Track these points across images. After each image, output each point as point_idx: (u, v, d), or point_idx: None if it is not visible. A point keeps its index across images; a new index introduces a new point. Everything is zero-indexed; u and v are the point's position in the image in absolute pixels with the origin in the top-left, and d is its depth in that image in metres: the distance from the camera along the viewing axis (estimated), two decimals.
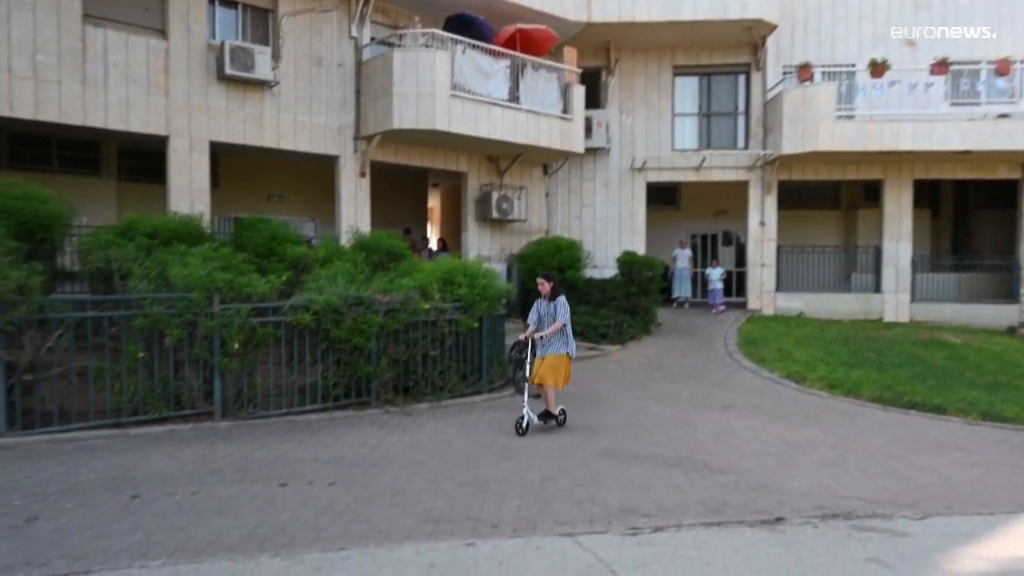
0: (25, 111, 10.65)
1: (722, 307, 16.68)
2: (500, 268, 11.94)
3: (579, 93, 15.26)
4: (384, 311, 8.02)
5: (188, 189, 12.11)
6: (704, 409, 8.91)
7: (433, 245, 17.52)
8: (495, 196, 15.28)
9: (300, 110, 13.14)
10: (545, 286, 7.55)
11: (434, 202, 19.58)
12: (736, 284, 18.83)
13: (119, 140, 13.62)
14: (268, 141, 12.81)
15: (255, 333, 7.29)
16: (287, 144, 13.04)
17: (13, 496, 4.82)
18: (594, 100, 16.86)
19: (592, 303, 14.23)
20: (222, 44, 11.85)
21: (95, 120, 11.18)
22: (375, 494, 5.24)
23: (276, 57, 12.66)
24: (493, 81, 13.81)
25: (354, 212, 13.80)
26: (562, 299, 7.49)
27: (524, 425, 7.24)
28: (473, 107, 13.43)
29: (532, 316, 7.63)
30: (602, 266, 16.41)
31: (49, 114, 10.79)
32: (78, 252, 9.35)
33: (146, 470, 5.59)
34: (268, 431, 7.04)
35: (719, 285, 17.00)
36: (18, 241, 7.33)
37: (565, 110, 14.96)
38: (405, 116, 12.82)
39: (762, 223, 17.11)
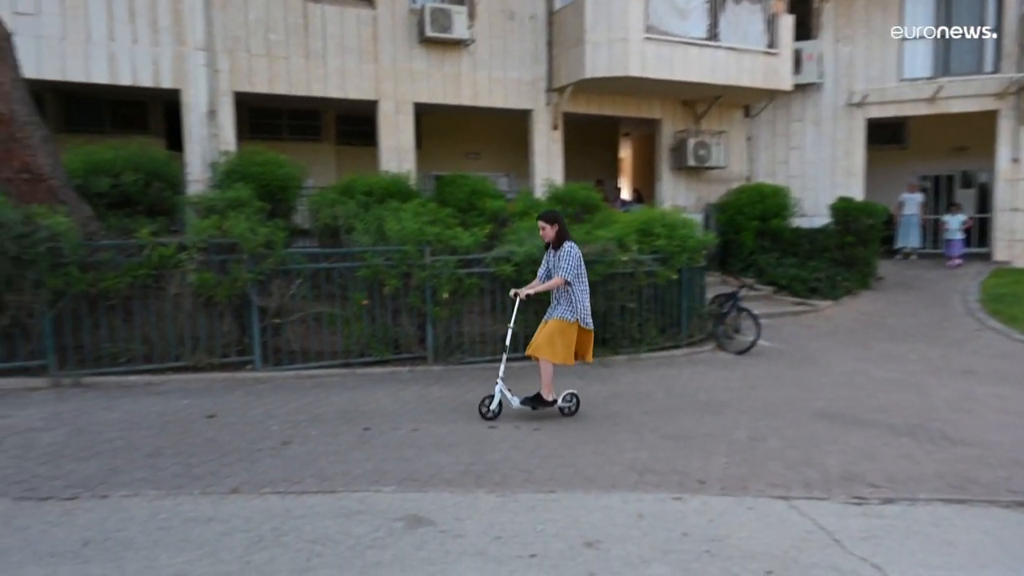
0: (261, 85, 11.96)
1: (959, 260, 14.64)
2: (697, 218, 11.42)
3: (787, 23, 13.93)
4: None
5: (396, 149, 12.96)
6: (938, 373, 7.96)
7: (626, 196, 17.23)
8: (691, 143, 14.58)
9: (494, 66, 13.40)
10: (547, 230, 5.83)
11: (626, 152, 19.18)
12: (978, 233, 16.41)
13: (336, 107, 14.86)
14: (465, 99, 13.26)
15: (461, 283, 7.68)
16: (483, 101, 13.41)
17: (271, 423, 5.57)
18: (804, 31, 15.32)
19: (800, 254, 13.20)
20: (422, 8, 12.36)
21: (317, 90, 12.27)
22: (579, 441, 5.34)
23: (471, 15, 12.96)
24: (690, 19, 13.03)
25: (547, 165, 13.93)
26: (569, 247, 5.75)
27: (492, 407, 5.78)
28: (668, 49, 12.80)
29: (540, 269, 6.08)
30: (812, 215, 15.09)
31: (280, 87, 12.02)
32: (309, 210, 10.41)
33: (373, 406, 6.18)
34: (475, 376, 7.45)
35: (959, 236, 14.80)
36: (261, 202, 8.29)
37: (771, 44, 13.75)
38: (597, 64, 12.56)
39: (1015, 160, 14.64)
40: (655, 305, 8.72)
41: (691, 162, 14.59)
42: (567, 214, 10.22)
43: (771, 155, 16.23)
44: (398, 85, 12.82)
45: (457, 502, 4.13)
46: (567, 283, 5.68)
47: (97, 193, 8.15)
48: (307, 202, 10.81)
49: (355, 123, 15.38)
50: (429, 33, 12.33)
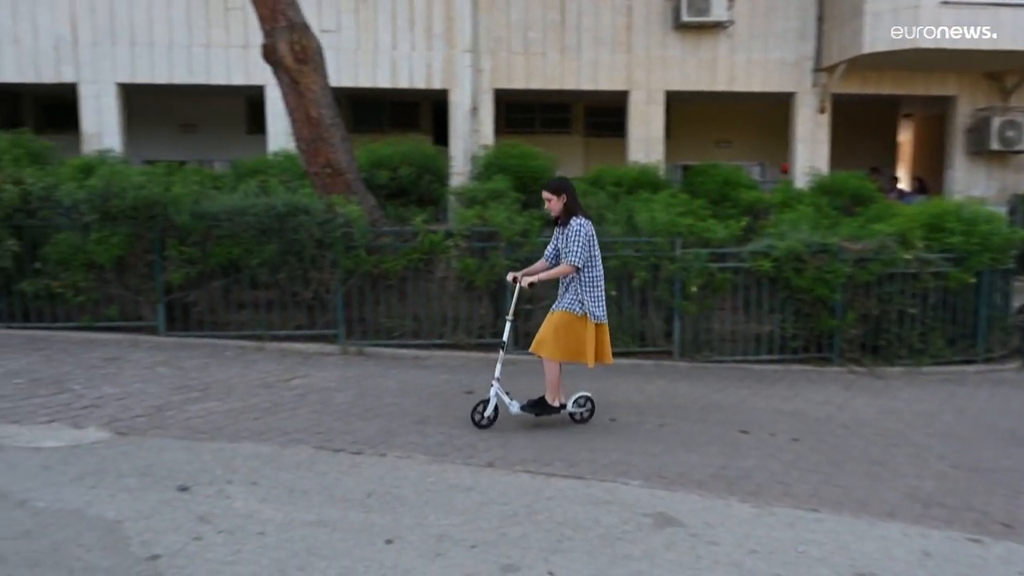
0: (519, 82, 12.58)
1: None
2: (1001, 211, 9.69)
3: None
4: (853, 260, 7.25)
5: (645, 139, 12.83)
6: None
7: (904, 186, 15.21)
8: (996, 122, 12.39)
9: (754, 48, 12.62)
10: (552, 202, 4.93)
11: (905, 136, 16.92)
12: None
13: (586, 100, 15.13)
14: (721, 84, 12.69)
15: (713, 278, 7.35)
16: (739, 85, 12.72)
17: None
18: None
19: None
20: None
21: (570, 83, 12.60)
22: (845, 458, 4.82)
23: None
24: None
25: (810, 152, 12.82)
26: (579, 225, 4.84)
27: (487, 413, 5.02)
28: (971, 12, 10.98)
29: (548, 248, 5.21)
30: None
31: (536, 82, 12.55)
32: None
33: (618, 397, 6.18)
34: (723, 376, 7.10)
35: None
36: (517, 193, 8.71)
37: None
38: (878, 37, 11.20)
39: None
40: (943, 312, 7.55)
41: (995, 145, 12.40)
42: (835, 206, 9.29)
43: None
44: (650, 74, 12.66)
45: (707, 506, 3.96)
46: (576, 269, 4.81)
47: (378, 185, 9.19)
48: None
49: (603, 115, 15.52)
50: (685, 18, 11.98)
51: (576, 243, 4.79)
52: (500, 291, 7.50)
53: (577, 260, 4.80)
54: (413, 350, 7.39)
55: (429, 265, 7.41)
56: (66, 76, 12.42)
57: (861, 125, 15.36)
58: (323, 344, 7.39)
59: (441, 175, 10.37)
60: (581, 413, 5.27)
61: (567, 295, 4.97)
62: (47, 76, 12.44)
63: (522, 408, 5.07)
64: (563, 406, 5.12)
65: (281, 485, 3.98)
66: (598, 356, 4.99)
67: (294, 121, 7.73)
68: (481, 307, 7.57)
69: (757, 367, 7.41)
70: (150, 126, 14.98)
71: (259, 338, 7.36)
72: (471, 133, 12.65)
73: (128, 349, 6.98)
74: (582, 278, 4.89)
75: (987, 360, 7.64)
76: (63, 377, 5.94)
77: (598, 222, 8.42)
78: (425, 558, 3.27)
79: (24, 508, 3.56)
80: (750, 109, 14.81)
